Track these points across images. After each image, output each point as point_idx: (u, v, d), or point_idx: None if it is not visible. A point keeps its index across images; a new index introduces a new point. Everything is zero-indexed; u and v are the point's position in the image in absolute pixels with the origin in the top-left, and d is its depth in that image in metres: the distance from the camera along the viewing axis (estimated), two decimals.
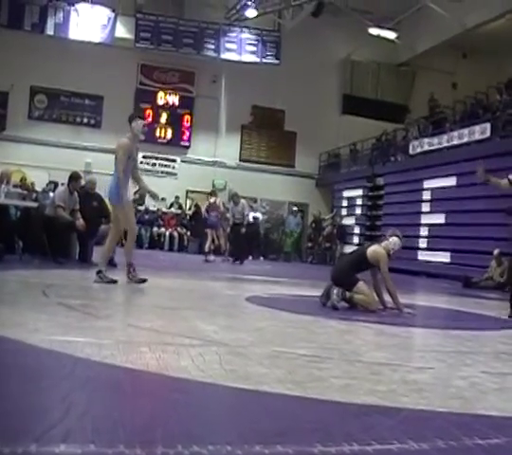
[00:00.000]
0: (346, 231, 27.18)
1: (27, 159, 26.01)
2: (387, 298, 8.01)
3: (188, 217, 27.45)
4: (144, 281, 8.65)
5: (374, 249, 8.06)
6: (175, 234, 26.67)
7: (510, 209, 16.10)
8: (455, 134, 21.03)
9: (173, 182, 29.28)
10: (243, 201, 19.64)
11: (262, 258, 25.80)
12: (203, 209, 20.43)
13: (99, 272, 8.69)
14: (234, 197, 19.64)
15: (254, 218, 26.33)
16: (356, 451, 2.35)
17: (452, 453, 2.45)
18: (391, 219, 23.74)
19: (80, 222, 11.88)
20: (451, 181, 20.63)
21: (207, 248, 19.29)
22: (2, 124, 27.21)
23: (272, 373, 3.61)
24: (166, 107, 29.65)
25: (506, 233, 15.92)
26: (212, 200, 19.58)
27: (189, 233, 26.80)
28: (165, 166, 29.45)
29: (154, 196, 9.97)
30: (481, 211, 18.48)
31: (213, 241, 19.77)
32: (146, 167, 28.99)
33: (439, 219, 21.10)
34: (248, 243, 21.68)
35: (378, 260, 7.91)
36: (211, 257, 18.98)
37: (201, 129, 29.84)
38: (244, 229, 19.07)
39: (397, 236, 8.22)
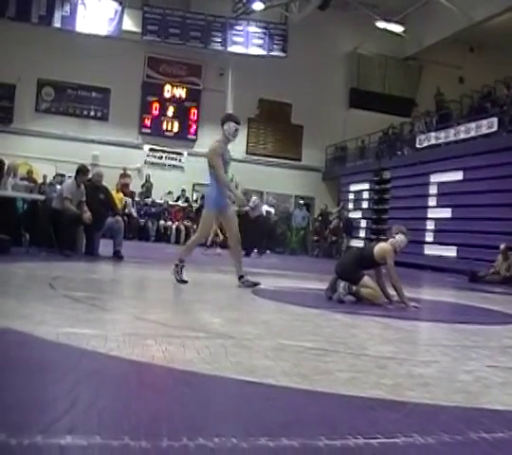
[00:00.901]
0: (352, 225, 27.15)
1: (33, 152, 26.09)
2: (391, 292, 8.00)
3: (194, 210, 27.43)
4: (185, 282, 8.38)
5: (380, 247, 8.06)
6: (182, 227, 26.69)
7: None
8: (462, 128, 20.99)
9: (180, 175, 29.32)
10: (253, 198, 19.94)
11: (268, 251, 25.76)
12: None
13: (240, 277, 8.59)
14: (246, 196, 19.97)
15: (267, 212, 26.35)
16: (362, 445, 2.36)
17: (457, 447, 2.45)
18: (397, 213, 23.73)
19: (87, 215, 11.88)
20: (458, 175, 20.59)
21: (209, 242, 19.35)
22: (9, 117, 27.26)
23: (278, 366, 3.62)
24: (173, 100, 29.68)
25: None
26: None
27: (195, 226, 26.79)
28: (172, 159, 29.50)
29: (238, 201, 9.71)
30: (487, 206, 18.45)
31: (217, 235, 19.80)
32: (153, 160, 29.13)
33: (445, 213, 21.07)
34: (260, 236, 21.75)
35: (384, 256, 7.90)
36: (218, 250, 19.02)
37: (208, 122, 29.77)
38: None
39: (403, 233, 8.21)
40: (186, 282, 8.32)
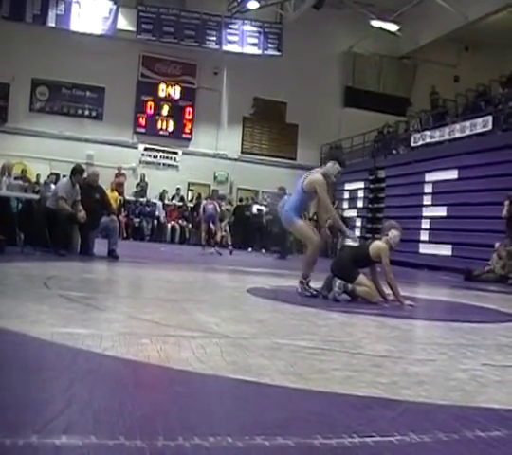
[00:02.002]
0: (347, 224, 27.10)
1: (28, 151, 26.04)
2: (386, 290, 8.01)
3: (189, 209, 27.45)
4: (316, 295, 7.99)
5: (375, 244, 8.07)
6: (177, 226, 26.69)
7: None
8: (457, 126, 21.00)
9: (175, 174, 29.30)
10: (285, 198, 20.40)
11: (263, 250, 25.76)
12: (203, 201, 20.43)
13: (301, 282, 8.25)
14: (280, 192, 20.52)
15: (258, 210, 26.44)
16: (357, 443, 2.35)
17: (453, 445, 2.45)
18: (392, 212, 23.72)
19: (81, 214, 11.87)
20: (453, 174, 20.60)
21: (203, 241, 19.37)
22: (3, 116, 27.19)
23: (273, 365, 3.61)
24: (167, 99, 29.62)
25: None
26: (211, 200, 19.62)
27: (190, 225, 26.81)
28: (167, 158, 29.45)
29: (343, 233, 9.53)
30: (482, 204, 18.47)
31: (209, 233, 19.80)
32: (148, 159, 29.09)
33: (440, 212, 21.08)
34: (252, 234, 21.75)
35: (379, 254, 7.91)
36: (210, 249, 19.01)
37: (203, 121, 29.81)
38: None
39: (395, 228, 8.22)
40: (316, 295, 8.02)
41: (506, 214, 16.08)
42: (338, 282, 7.70)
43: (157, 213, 26.45)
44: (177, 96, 29.81)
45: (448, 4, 24.22)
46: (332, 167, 8.47)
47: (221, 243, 19.83)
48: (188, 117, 29.84)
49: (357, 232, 27.04)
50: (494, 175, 18.13)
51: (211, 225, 19.66)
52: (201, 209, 19.86)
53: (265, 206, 27.81)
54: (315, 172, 8.45)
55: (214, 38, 28.40)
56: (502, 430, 2.64)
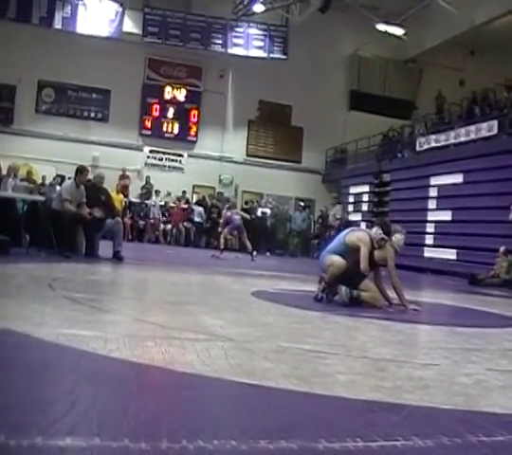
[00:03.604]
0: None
1: (34, 153, 26.04)
2: (391, 294, 7.99)
3: (193, 211, 27.40)
4: (319, 300, 7.91)
5: (380, 249, 8.07)
6: (182, 229, 26.64)
7: None
8: (462, 131, 20.97)
9: (180, 177, 29.29)
10: (338, 206, 20.76)
11: (268, 253, 25.74)
12: (227, 213, 20.27)
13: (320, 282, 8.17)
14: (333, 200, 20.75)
15: (263, 213, 26.43)
16: (361, 447, 2.36)
17: (457, 450, 2.45)
18: (397, 215, 23.63)
19: (86, 211, 11.87)
20: (458, 178, 20.58)
21: (221, 245, 19.38)
22: (9, 118, 27.21)
23: (278, 369, 3.62)
24: (173, 102, 29.61)
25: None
26: (235, 211, 19.57)
27: (195, 228, 26.77)
28: (172, 160, 29.43)
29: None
30: (487, 208, 18.44)
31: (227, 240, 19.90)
32: (153, 161, 29.09)
33: (445, 216, 21.05)
34: (256, 237, 21.73)
35: (385, 257, 7.90)
36: (217, 253, 19.04)
37: (208, 124, 29.80)
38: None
39: (398, 231, 8.22)
40: (320, 300, 7.89)
41: None
42: (343, 287, 7.64)
43: (198, 219, 26.44)
44: (183, 98, 29.80)
45: (454, 8, 24.20)
46: (397, 239, 8.24)
47: (226, 247, 19.84)
48: (193, 119, 29.83)
49: None
50: (499, 180, 18.11)
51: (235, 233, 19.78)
52: (225, 219, 19.73)
53: (269, 209, 27.83)
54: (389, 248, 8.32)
55: (220, 41, 28.39)
56: (506, 435, 2.64)
